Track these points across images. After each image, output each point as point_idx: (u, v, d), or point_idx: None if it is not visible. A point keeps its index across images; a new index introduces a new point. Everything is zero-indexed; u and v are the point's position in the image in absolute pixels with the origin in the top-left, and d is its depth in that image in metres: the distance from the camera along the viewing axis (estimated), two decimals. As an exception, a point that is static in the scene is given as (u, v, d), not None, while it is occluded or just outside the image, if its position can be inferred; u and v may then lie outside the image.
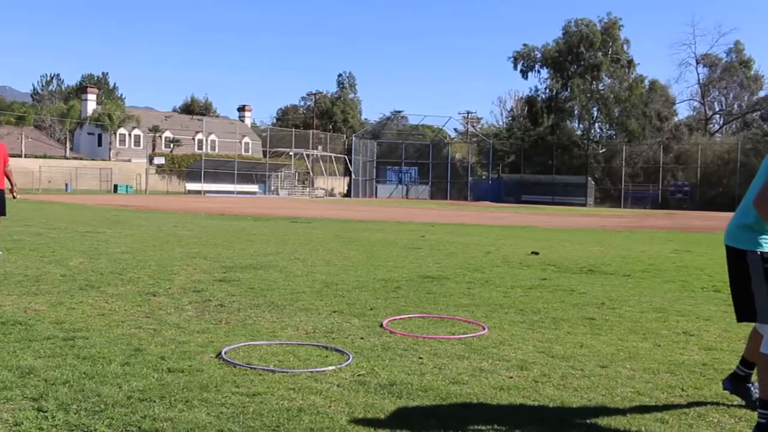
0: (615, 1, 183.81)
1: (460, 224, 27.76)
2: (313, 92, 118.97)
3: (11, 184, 12.70)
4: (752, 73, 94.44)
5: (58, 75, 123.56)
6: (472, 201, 79.56)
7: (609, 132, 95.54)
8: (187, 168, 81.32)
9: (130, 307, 7.57)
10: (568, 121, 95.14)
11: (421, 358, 5.73)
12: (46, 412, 4.19)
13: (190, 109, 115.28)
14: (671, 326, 7.38)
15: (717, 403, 4.77)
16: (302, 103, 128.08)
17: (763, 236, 4.28)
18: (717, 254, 16.55)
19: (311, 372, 5.18)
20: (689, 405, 4.69)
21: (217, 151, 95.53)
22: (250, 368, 5.23)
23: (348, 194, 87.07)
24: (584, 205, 74.94)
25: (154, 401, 4.43)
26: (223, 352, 5.61)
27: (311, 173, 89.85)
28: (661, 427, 4.27)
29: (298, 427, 4.10)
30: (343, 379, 5.06)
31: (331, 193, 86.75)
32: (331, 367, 5.32)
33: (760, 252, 4.26)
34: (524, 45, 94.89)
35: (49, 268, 10.52)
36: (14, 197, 12.99)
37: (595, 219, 38.22)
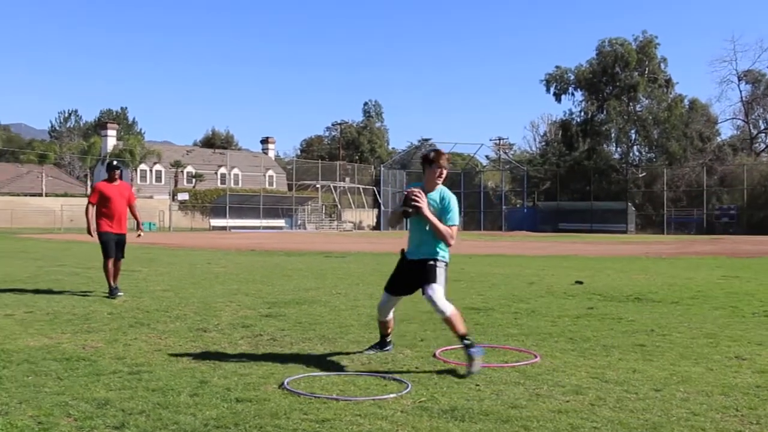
0: (650, 19, 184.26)
1: (498, 255, 28.11)
2: (338, 122, 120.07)
3: (137, 223, 13.51)
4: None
5: (75, 111, 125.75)
6: (507, 231, 79.70)
7: (648, 155, 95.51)
8: (211, 203, 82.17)
9: (184, 342, 8.04)
10: (605, 145, 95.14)
11: (478, 385, 6.12)
12: (131, 438, 4.65)
13: (211, 142, 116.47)
14: (723, 351, 7.74)
15: (772, 422, 5.13)
16: (327, 134, 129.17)
17: None
18: (767, 279, 16.83)
19: (374, 399, 5.60)
20: (744, 424, 5.05)
21: (240, 185, 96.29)
22: (315, 397, 5.65)
23: (377, 227, 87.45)
24: (625, 232, 74.88)
25: (230, 428, 4.86)
26: (285, 383, 6.03)
27: (339, 206, 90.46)
28: (718, 444, 4.65)
29: (371, 448, 4.51)
30: (405, 405, 5.46)
31: (359, 226, 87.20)
32: (392, 395, 5.72)
33: None
34: (557, 67, 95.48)
35: (95, 306, 11.06)
36: (139, 236, 13.82)
37: (637, 246, 38.39)
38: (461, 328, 6.86)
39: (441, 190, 7.25)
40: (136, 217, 13.34)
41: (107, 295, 12.28)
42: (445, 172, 7.27)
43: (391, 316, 7.61)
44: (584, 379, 6.36)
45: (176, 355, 7.28)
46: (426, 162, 7.30)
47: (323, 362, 7.05)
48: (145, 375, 6.36)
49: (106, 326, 9.15)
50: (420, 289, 7.14)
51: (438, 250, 7.16)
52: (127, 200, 12.93)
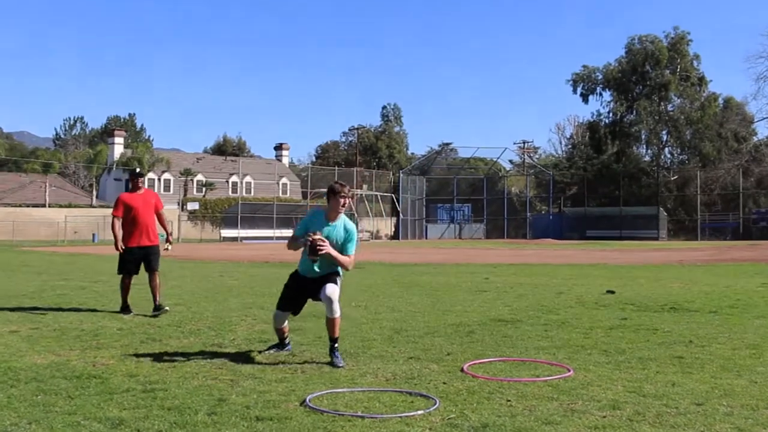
0: (682, 15, 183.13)
1: (524, 264, 28.06)
2: (356, 127, 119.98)
3: (166, 234, 13.10)
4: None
5: (81, 118, 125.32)
6: (532, 239, 79.48)
7: (681, 157, 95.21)
8: (222, 213, 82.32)
9: (199, 358, 8.04)
10: (635, 147, 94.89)
11: (509, 400, 6.11)
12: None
13: (222, 149, 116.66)
14: (767, 363, 7.71)
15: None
16: (343, 139, 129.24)
17: None
18: (810, 286, 16.73)
19: (401, 417, 5.59)
20: (792, 439, 5.04)
21: (253, 194, 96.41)
22: (339, 415, 5.65)
23: (396, 236, 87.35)
24: (656, 238, 74.54)
25: (251, 448, 4.88)
26: (307, 400, 6.03)
27: (356, 214, 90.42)
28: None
29: (398, 467, 4.50)
30: (433, 423, 5.46)
31: (376, 236, 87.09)
32: (419, 412, 5.71)
33: None
34: (584, 66, 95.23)
35: (104, 322, 11.09)
36: (166, 249, 13.10)
37: (670, 253, 38.25)
38: (337, 331, 7.96)
39: (344, 221, 8.23)
40: (164, 227, 12.95)
41: (119, 311, 12.20)
42: (348, 201, 8.21)
43: (286, 324, 8.54)
44: (621, 394, 6.34)
45: (192, 372, 7.28)
46: (332, 193, 8.15)
47: (346, 378, 7.05)
48: (160, 393, 6.37)
49: (117, 342, 9.18)
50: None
51: (334, 268, 8.21)
52: (154, 208, 12.64)
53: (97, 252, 41.35)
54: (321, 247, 7.77)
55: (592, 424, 5.41)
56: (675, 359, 7.90)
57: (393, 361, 7.88)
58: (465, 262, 30.25)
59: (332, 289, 7.91)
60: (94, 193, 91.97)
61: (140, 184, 12.65)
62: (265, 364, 7.74)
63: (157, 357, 8.14)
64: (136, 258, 12.36)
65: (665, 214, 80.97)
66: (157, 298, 12.20)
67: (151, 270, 12.40)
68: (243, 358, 8.11)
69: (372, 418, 5.58)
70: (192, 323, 10.94)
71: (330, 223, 8.09)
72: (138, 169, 13.12)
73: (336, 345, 7.86)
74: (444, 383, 6.79)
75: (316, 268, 8.09)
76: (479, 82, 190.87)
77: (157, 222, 12.77)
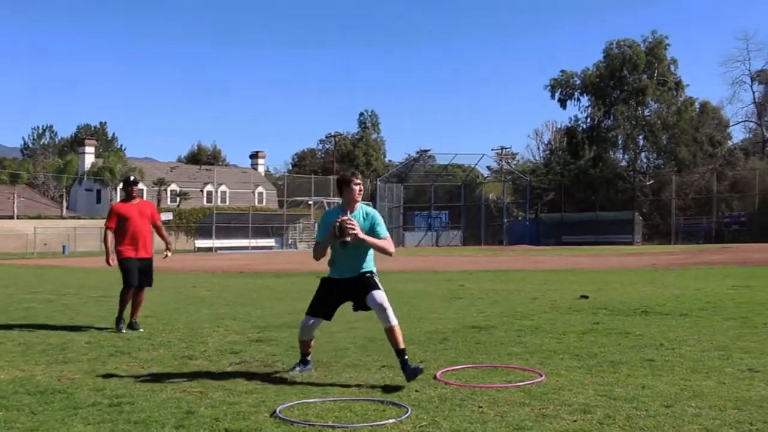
0: (660, 19, 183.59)
1: (499, 271, 28.13)
2: (332, 134, 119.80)
3: (165, 243, 12.49)
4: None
5: (51, 127, 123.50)
6: (508, 245, 79.57)
7: (657, 161, 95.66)
8: (196, 223, 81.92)
9: (169, 371, 8.00)
10: (611, 152, 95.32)
11: (481, 407, 6.13)
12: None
13: (196, 158, 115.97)
14: (735, 363, 7.81)
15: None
16: (320, 147, 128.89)
17: None
18: (780, 288, 16.89)
19: (372, 426, 5.59)
20: (759, 440, 5.09)
21: (228, 203, 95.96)
22: (309, 425, 5.64)
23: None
24: (631, 243, 74.82)
25: (219, 461, 4.87)
26: (278, 411, 6.01)
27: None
28: (731, 461, 4.67)
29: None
30: (405, 431, 5.46)
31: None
32: (391, 420, 5.70)
33: None
34: (562, 71, 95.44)
35: (72, 335, 10.95)
36: (166, 256, 12.51)
37: (644, 258, 38.42)
38: (401, 342, 7.37)
39: (363, 208, 7.83)
40: (163, 237, 12.47)
41: (114, 328, 11.54)
42: (362, 188, 7.82)
43: (312, 337, 8.06)
44: (592, 397, 6.38)
45: (160, 385, 7.23)
46: (344, 183, 7.73)
47: (317, 388, 7.04)
48: (127, 407, 6.32)
49: (84, 356, 9.08)
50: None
51: (370, 265, 7.82)
52: (150, 219, 11.98)
53: (67, 264, 41.06)
54: (351, 226, 7.37)
55: (563, 428, 5.44)
56: (646, 362, 7.96)
57: (366, 370, 7.89)
58: (441, 269, 30.27)
59: (381, 296, 7.49)
60: (64, 204, 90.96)
61: (134, 193, 12.06)
62: (236, 375, 7.71)
63: (126, 370, 8.09)
64: (135, 268, 11.66)
65: (640, 218, 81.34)
66: (136, 315, 11.79)
67: (142, 286, 11.87)
68: (213, 369, 8.09)
69: (343, 427, 5.58)
70: (162, 335, 10.88)
71: (349, 214, 7.61)
72: (132, 177, 12.47)
73: (406, 357, 7.30)
74: (416, 391, 6.79)
75: (347, 252, 7.61)
76: (458, 88, 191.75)
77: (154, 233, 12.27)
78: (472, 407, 6.13)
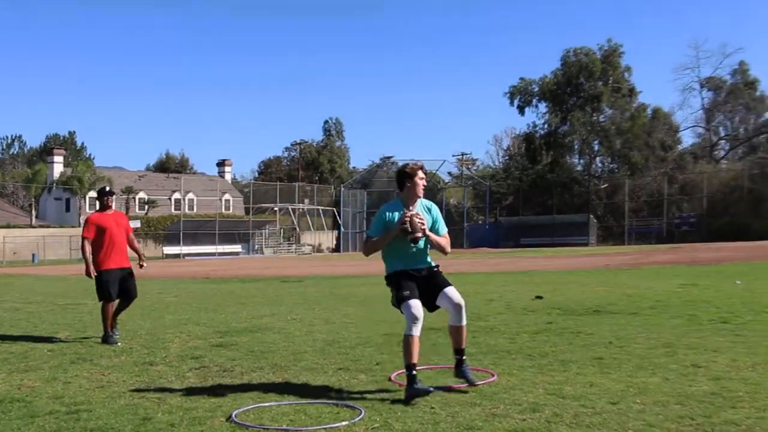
0: (615, 27, 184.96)
1: (458, 273, 28.07)
2: (298, 141, 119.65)
3: (138, 255, 11.90)
4: (758, 94, 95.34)
5: (20, 137, 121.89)
6: (468, 248, 79.86)
7: (611, 166, 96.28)
8: (164, 230, 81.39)
9: (129, 377, 7.87)
10: (568, 157, 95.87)
11: (433, 407, 6.07)
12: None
13: (164, 166, 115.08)
14: (680, 360, 7.84)
15: (726, 430, 5.16)
16: (286, 154, 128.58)
17: None
18: (723, 286, 17.02)
19: (325, 429, 5.52)
20: (700, 433, 5.08)
21: (196, 210, 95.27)
22: (263, 429, 5.56)
23: (337, 249, 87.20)
24: (586, 244, 75.26)
25: (172, 467, 4.76)
26: (233, 415, 5.93)
27: (297, 229, 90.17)
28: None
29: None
30: (357, 433, 5.41)
31: (318, 249, 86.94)
32: (344, 423, 5.64)
33: None
34: (521, 79, 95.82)
35: (35, 343, 10.75)
36: (141, 266, 11.84)
37: (598, 258, 38.61)
38: (465, 341, 7.08)
39: (423, 203, 7.23)
40: (136, 250, 11.87)
41: (102, 341, 10.91)
42: (425, 182, 7.19)
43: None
44: (541, 396, 6.35)
45: (119, 392, 7.12)
46: (407, 177, 7.12)
47: (274, 392, 6.94)
48: (84, 414, 6.19)
49: (46, 364, 8.91)
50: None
51: (431, 260, 7.18)
52: (125, 229, 11.52)
53: (36, 273, 40.65)
54: (423, 223, 6.84)
55: (511, 427, 5.39)
56: (595, 360, 7.96)
57: (323, 373, 7.80)
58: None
59: (458, 295, 6.95)
60: (34, 213, 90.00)
61: (109, 203, 11.56)
62: (195, 381, 7.61)
63: (86, 377, 7.95)
64: (115, 280, 11.16)
65: (595, 220, 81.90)
66: (116, 323, 11.30)
67: (129, 299, 11.39)
68: (173, 375, 7.96)
69: (296, 431, 5.50)
70: (125, 341, 10.71)
71: (411, 209, 7.00)
72: (108, 188, 11.88)
73: (464, 357, 6.99)
74: (371, 393, 6.73)
75: (413, 249, 6.97)
76: (420, 96, 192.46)
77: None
78: (424, 408, 6.07)
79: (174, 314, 14.47)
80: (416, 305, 6.70)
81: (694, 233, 74.09)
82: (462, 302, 6.92)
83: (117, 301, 11.23)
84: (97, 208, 11.69)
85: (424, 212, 7.08)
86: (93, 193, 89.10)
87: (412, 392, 6.34)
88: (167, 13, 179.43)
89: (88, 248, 11.22)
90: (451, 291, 6.96)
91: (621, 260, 35.33)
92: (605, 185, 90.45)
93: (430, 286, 6.97)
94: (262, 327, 11.96)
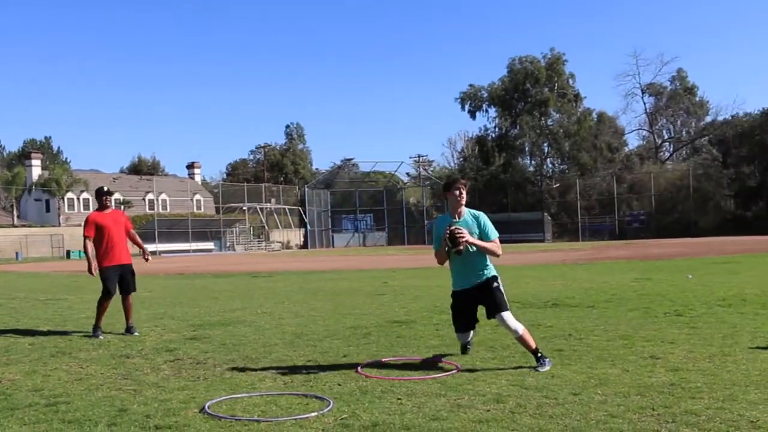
0: (557, 37, 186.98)
1: (420, 268, 28.03)
2: (262, 145, 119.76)
3: (142, 249, 11.78)
4: (697, 99, 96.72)
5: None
6: (429, 244, 79.91)
7: (561, 167, 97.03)
8: (139, 229, 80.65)
9: (106, 370, 7.70)
10: (519, 159, 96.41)
11: (400, 398, 5.95)
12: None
13: (137, 169, 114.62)
14: (638, 351, 7.74)
15: (686, 420, 5.06)
16: (251, 157, 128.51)
17: None
18: (677, 280, 17.07)
19: (295, 419, 5.38)
20: (660, 423, 4.98)
21: (168, 210, 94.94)
22: (235, 420, 5.41)
23: (305, 245, 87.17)
24: (542, 240, 75.70)
25: (147, 457, 4.61)
26: (206, 407, 5.79)
27: (266, 227, 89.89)
28: (634, 445, 4.55)
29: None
30: (326, 424, 5.26)
31: (287, 246, 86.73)
32: (313, 414, 5.52)
33: None
34: (470, 85, 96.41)
35: (16, 337, 10.58)
36: (146, 260, 11.99)
37: (554, 254, 38.77)
38: (533, 343, 7.20)
39: (469, 212, 7.49)
40: (139, 245, 11.73)
41: (91, 334, 10.72)
42: (465, 193, 7.48)
43: (470, 336, 7.97)
44: (504, 387, 6.24)
45: (96, 384, 6.95)
46: (446, 190, 7.49)
47: (246, 383, 6.80)
48: (63, 406, 6.04)
49: (26, 357, 8.74)
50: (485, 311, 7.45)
51: (491, 267, 7.50)
52: (124, 227, 11.37)
53: (19, 270, 40.20)
54: (461, 235, 7.10)
55: (476, 417, 5.28)
56: (555, 352, 7.86)
57: (292, 365, 7.66)
58: (367, 268, 30.11)
59: (509, 318, 7.22)
60: (15, 213, 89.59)
61: (108, 203, 11.37)
62: (169, 373, 7.43)
63: (65, 370, 7.77)
64: (114, 276, 11.07)
65: (549, 218, 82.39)
66: (130, 319, 11.08)
67: (127, 292, 11.20)
68: (148, 367, 7.79)
69: (267, 421, 5.36)
70: (103, 335, 10.53)
71: (457, 220, 7.38)
72: (106, 188, 11.59)
73: (540, 354, 7.13)
74: (339, 384, 6.60)
75: (464, 259, 7.37)
76: (377, 100, 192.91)
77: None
78: (391, 399, 5.95)
79: (149, 309, 14.25)
80: (462, 338, 7.89)
81: (645, 230, 74.93)
82: (507, 320, 7.21)
83: (120, 298, 11.10)
84: (96, 207, 11.48)
85: (470, 222, 7.37)
86: (71, 194, 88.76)
87: None
88: (147, 18, 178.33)
89: (90, 246, 11.05)
90: (506, 316, 7.24)
91: (577, 255, 35.50)
92: (557, 185, 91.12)
93: (486, 297, 7.40)
94: (234, 320, 11.80)
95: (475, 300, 7.48)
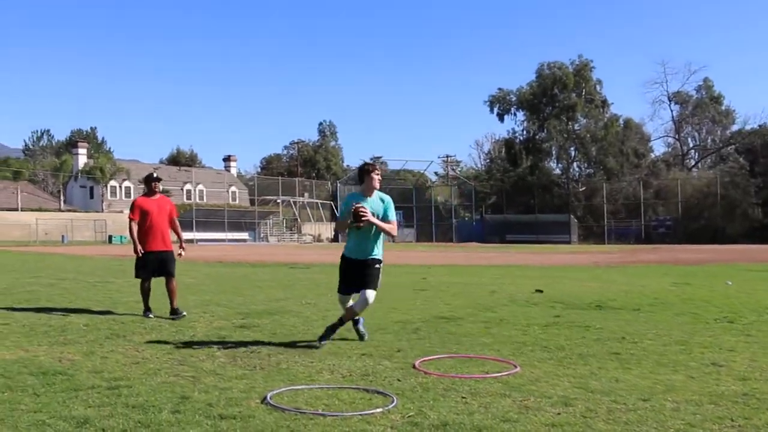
0: (586, 44, 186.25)
1: (454, 265, 27.75)
2: (296, 141, 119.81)
3: (179, 240, 11.55)
4: (723, 108, 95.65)
5: (48, 131, 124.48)
6: (458, 242, 79.63)
7: (588, 170, 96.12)
8: (178, 218, 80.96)
9: (162, 355, 7.50)
10: (546, 161, 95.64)
11: (464, 397, 5.68)
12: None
13: (176, 160, 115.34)
14: (697, 358, 7.40)
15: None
16: (285, 152, 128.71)
17: None
18: (716, 285, 16.62)
19: (362, 415, 5.12)
20: (741, 435, 4.68)
21: (205, 200, 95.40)
22: (300, 413, 5.17)
23: (335, 239, 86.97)
24: (568, 242, 75.02)
25: (217, 448, 4.38)
26: (268, 397, 5.55)
27: (299, 220, 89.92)
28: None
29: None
30: (394, 421, 5.00)
31: (318, 239, 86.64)
32: (379, 410, 5.26)
33: None
34: (499, 89, 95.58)
35: (71, 318, 10.45)
36: (180, 255, 11.41)
37: (583, 256, 38.27)
38: (348, 318, 8.34)
39: (378, 194, 8.36)
40: (178, 234, 11.61)
41: (143, 314, 10.80)
42: (380, 178, 8.42)
43: (350, 303, 8.47)
44: (569, 390, 5.94)
45: (154, 369, 6.75)
46: (365, 172, 8.32)
47: (303, 375, 6.56)
48: (125, 390, 5.84)
49: (83, 338, 8.57)
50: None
51: (376, 250, 8.33)
52: (168, 214, 11.35)
53: (66, 252, 40.41)
54: (363, 214, 7.92)
55: (548, 421, 4.99)
56: (612, 355, 7.53)
57: (347, 358, 7.40)
58: (401, 263, 29.80)
59: (368, 292, 8.13)
60: (62, 198, 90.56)
61: (156, 189, 11.39)
62: (225, 361, 7.20)
63: (122, 353, 7.59)
64: (152, 262, 11.03)
65: (575, 220, 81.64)
66: (174, 302, 10.94)
67: (168, 275, 11.09)
68: (203, 354, 7.56)
69: (333, 416, 5.11)
70: (153, 319, 10.38)
71: (367, 199, 8.23)
72: (155, 174, 11.69)
73: (358, 318, 8.50)
74: (398, 380, 6.33)
75: (360, 233, 8.24)
76: (408, 101, 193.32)
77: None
78: (455, 398, 5.68)
79: (196, 295, 14.08)
80: (342, 300, 8.62)
81: (671, 235, 74.04)
82: (369, 301, 8.16)
83: (148, 282, 11.09)
84: (144, 192, 11.58)
85: (378, 202, 8.28)
86: (113, 182, 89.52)
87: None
88: (190, 20, 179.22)
89: (135, 229, 11.11)
90: (368, 293, 8.14)
91: (607, 258, 34.98)
92: (583, 188, 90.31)
93: (361, 275, 8.21)
94: (280, 310, 11.56)
95: (356, 271, 8.25)
